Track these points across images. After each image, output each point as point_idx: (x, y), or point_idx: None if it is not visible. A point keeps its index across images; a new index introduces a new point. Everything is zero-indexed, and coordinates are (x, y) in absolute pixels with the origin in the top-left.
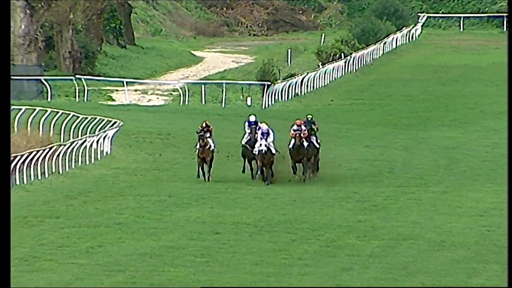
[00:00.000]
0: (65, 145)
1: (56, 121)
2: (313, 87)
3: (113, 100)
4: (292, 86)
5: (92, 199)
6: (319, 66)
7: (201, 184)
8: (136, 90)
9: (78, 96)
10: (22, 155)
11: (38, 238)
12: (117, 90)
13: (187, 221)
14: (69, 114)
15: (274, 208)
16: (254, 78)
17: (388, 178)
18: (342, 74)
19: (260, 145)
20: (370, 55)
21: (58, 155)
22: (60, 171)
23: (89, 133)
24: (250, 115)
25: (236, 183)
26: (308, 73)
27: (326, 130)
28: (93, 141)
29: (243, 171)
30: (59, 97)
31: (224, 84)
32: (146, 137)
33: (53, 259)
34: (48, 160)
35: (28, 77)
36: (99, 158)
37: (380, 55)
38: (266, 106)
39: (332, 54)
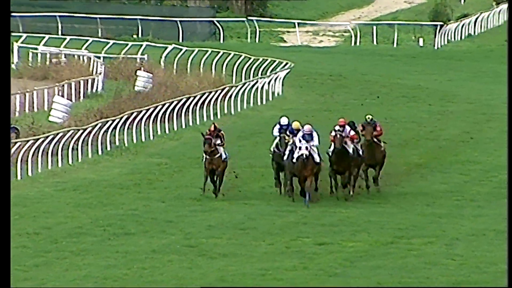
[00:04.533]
0: (237, 86)
1: (228, 62)
2: (487, 27)
3: (285, 41)
4: (465, 26)
5: (264, 140)
6: (493, 5)
7: None
8: (307, 32)
9: (250, 37)
10: (194, 96)
11: None
12: (288, 32)
13: None
14: (241, 55)
15: (446, 149)
16: (427, 19)
17: None
18: None
19: (300, 148)
20: None
21: (230, 96)
22: (232, 112)
23: (261, 74)
24: (281, 117)
25: (407, 124)
26: (481, 13)
27: (499, 71)
28: (265, 82)
29: (277, 186)
30: (231, 39)
31: (395, 25)
32: (317, 78)
33: (225, 199)
34: (220, 101)
35: (201, 19)
36: (270, 99)
37: None
38: (438, 46)
39: None
